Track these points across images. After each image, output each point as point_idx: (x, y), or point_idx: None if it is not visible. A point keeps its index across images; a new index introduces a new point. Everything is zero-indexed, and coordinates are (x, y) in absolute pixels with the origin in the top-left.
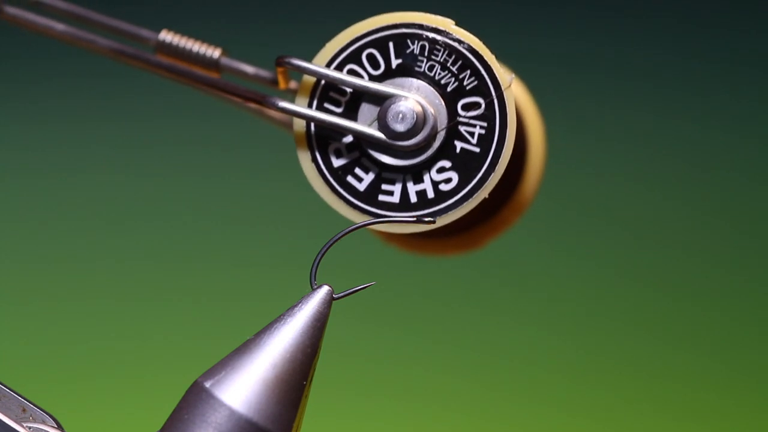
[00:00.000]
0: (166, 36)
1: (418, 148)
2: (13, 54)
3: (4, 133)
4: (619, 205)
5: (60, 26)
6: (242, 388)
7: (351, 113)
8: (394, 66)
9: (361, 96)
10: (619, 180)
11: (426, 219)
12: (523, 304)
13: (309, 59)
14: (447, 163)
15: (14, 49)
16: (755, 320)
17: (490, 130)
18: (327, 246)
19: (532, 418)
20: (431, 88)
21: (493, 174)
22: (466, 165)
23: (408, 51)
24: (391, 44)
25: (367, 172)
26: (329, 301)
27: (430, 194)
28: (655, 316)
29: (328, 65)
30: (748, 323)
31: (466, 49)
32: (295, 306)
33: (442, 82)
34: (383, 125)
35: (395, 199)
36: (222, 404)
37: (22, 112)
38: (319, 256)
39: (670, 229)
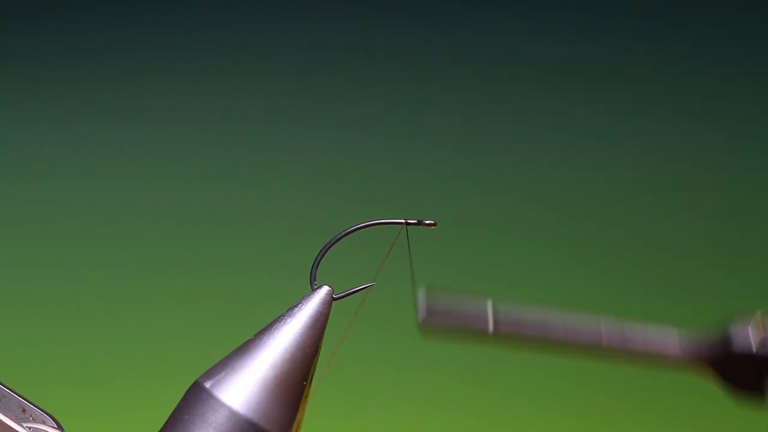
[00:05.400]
0: None
1: None
2: (13, 56)
3: (5, 135)
4: (616, 208)
5: None
6: (242, 388)
7: None
8: None
9: None
10: (616, 183)
11: (426, 222)
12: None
13: None
14: None
15: (14, 51)
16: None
17: None
18: (327, 247)
19: (532, 419)
20: None
21: None
22: None
23: None
24: None
25: None
26: (329, 301)
27: None
28: (650, 318)
29: None
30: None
31: None
32: (295, 306)
33: None
34: None
35: None
36: (222, 404)
37: (23, 115)
38: (320, 256)
39: (668, 231)
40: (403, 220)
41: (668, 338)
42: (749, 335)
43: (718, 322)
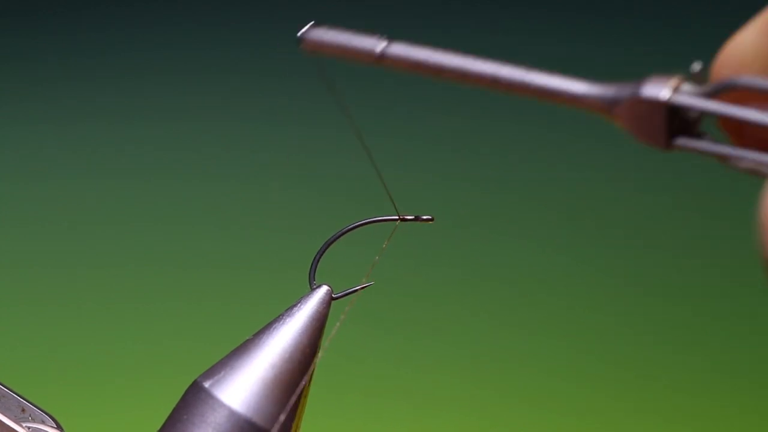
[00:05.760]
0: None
1: None
2: (13, 56)
3: (5, 135)
4: (616, 208)
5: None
6: (241, 388)
7: None
8: None
9: None
10: (616, 183)
11: (424, 217)
12: (521, 307)
13: None
14: None
15: (14, 51)
16: (749, 322)
17: None
18: (325, 246)
19: (530, 419)
20: None
21: None
22: None
23: None
24: None
25: None
26: (328, 301)
27: None
28: (650, 318)
29: None
30: (742, 325)
31: None
32: (294, 306)
33: None
34: None
35: None
36: (221, 404)
37: (23, 115)
38: (318, 255)
39: (668, 231)
40: (398, 217)
41: (576, 83)
42: (663, 86)
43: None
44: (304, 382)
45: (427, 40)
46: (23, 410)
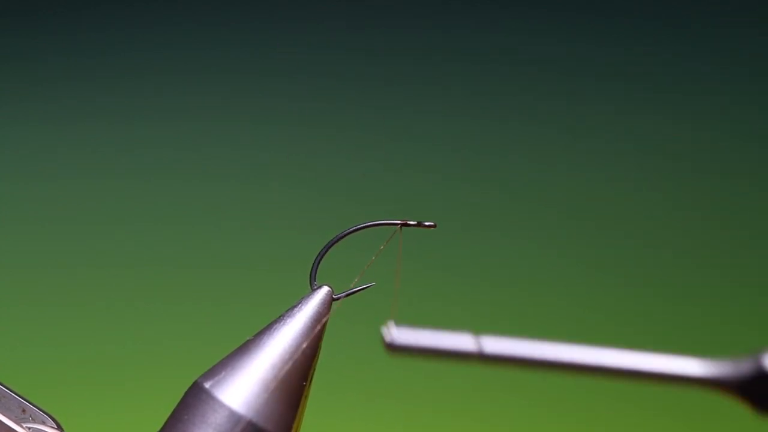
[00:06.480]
0: None
1: None
2: (13, 56)
3: (5, 135)
4: (616, 208)
5: None
6: (242, 388)
7: None
8: None
9: None
10: (616, 183)
11: (426, 223)
12: (521, 307)
13: None
14: None
15: (14, 51)
16: (749, 322)
17: None
18: (326, 248)
19: (531, 418)
20: None
21: None
22: None
23: None
24: None
25: None
26: (329, 301)
27: None
28: (650, 318)
29: None
30: (742, 325)
31: None
32: (295, 307)
33: None
34: None
35: None
36: (222, 405)
37: (23, 115)
38: (319, 257)
39: (668, 231)
40: (400, 222)
41: (688, 362)
42: None
43: (742, 352)
44: (304, 383)
45: (428, 40)
46: (24, 411)
